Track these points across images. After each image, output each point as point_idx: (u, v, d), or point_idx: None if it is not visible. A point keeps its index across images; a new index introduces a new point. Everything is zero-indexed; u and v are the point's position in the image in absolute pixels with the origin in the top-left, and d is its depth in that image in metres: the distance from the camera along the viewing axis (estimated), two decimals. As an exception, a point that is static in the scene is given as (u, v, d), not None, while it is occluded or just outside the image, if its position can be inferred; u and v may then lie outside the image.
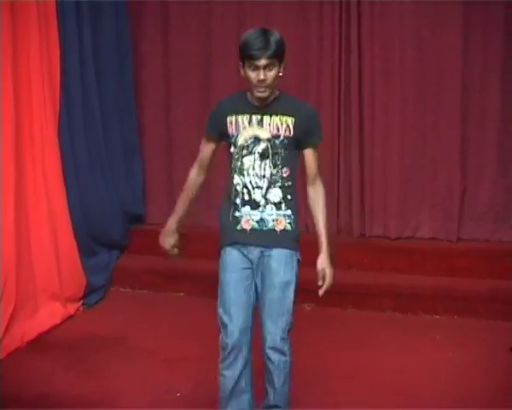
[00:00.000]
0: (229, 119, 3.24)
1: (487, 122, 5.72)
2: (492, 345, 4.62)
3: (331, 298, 5.40)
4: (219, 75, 6.23)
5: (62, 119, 5.38)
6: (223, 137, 3.32)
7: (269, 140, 3.18)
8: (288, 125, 3.18)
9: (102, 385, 4.18)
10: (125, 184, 6.32)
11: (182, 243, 3.48)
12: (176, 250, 3.49)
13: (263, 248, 3.24)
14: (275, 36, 3.11)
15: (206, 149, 3.41)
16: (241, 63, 3.14)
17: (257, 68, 3.07)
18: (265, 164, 3.20)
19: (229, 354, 3.22)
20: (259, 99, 3.18)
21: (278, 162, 3.20)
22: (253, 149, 3.21)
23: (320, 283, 3.35)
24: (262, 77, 3.07)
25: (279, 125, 3.18)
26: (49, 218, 5.19)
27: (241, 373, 3.26)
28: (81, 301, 5.53)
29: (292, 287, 3.27)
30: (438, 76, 5.73)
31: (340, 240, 6.05)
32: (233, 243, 3.28)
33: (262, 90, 3.12)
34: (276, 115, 3.19)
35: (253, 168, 3.21)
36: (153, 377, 4.22)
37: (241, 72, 3.16)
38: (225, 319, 3.22)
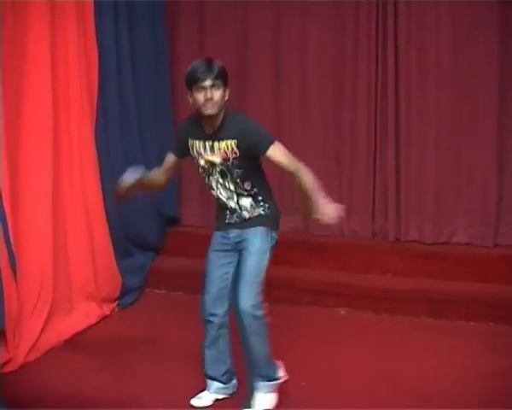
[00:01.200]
0: (190, 142, 3.70)
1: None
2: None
3: (365, 303, 5.47)
4: (254, 79, 6.26)
5: (99, 120, 5.44)
6: (188, 155, 3.76)
7: (221, 164, 3.60)
8: (232, 148, 3.54)
9: (133, 386, 4.22)
10: (161, 187, 6.35)
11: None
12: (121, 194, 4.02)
13: (241, 230, 3.71)
14: (217, 63, 3.55)
15: (169, 159, 3.91)
16: (189, 91, 3.54)
17: (203, 89, 3.46)
18: (227, 181, 3.65)
19: (205, 320, 3.86)
20: (208, 119, 3.54)
21: (238, 180, 3.63)
22: (212, 171, 3.66)
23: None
24: (209, 95, 3.46)
25: (226, 149, 3.56)
26: (86, 219, 5.24)
27: (215, 341, 3.86)
28: (116, 302, 5.58)
29: (264, 257, 3.69)
30: (474, 81, 5.68)
31: (375, 244, 6.06)
32: (218, 230, 3.84)
33: (209, 106, 3.48)
34: (223, 140, 3.56)
35: (220, 184, 3.68)
36: (184, 379, 4.24)
37: (190, 100, 3.56)
38: (204, 287, 3.87)
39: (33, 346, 4.59)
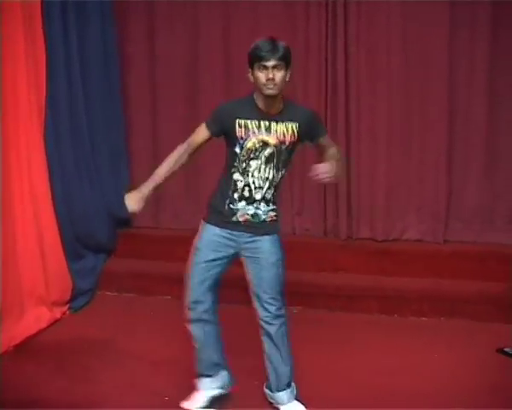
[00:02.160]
0: (238, 122, 3.50)
1: (474, 124, 5.74)
2: (480, 346, 4.65)
3: (318, 300, 5.50)
4: (206, 78, 6.24)
5: (48, 123, 5.36)
6: (226, 136, 3.58)
7: (275, 146, 3.51)
8: (293, 131, 3.53)
9: (89, 390, 4.17)
10: (112, 188, 6.28)
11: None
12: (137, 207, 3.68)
13: (254, 236, 3.63)
14: (282, 43, 3.43)
15: (202, 135, 3.62)
16: (250, 69, 3.47)
17: (266, 68, 3.37)
18: (270, 168, 3.55)
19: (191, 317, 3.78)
20: (268, 99, 3.45)
21: (280, 166, 3.57)
22: (260, 153, 3.52)
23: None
24: (271, 76, 3.36)
25: (285, 131, 3.52)
26: (36, 222, 5.16)
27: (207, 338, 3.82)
28: (68, 305, 5.51)
29: (282, 264, 3.70)
30: (424, 79, 5.75)
31: (327, 242, 6.09)
32: (221, 227, 3.63)
33: (271, 87, 3.38)
34: (282, 122, 3.51)
35: (259, 171, 3.54)
36: (140, 380, 4.21)
37: (250, 77, 3.48)
38: (190, 280, 3.72)
39: (-18, 352, 4.51)
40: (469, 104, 5.73)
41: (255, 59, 3.41)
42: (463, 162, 5.83)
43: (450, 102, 5.70)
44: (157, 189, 3.67)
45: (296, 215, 6.27)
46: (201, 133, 3.61)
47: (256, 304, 3.73)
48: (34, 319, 5.09)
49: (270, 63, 3.36)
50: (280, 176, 3.60)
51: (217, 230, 3.65)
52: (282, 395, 3.82)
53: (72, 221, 5.66)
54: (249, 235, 3.63)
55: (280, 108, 3.52)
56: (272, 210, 3.65)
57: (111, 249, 6.31)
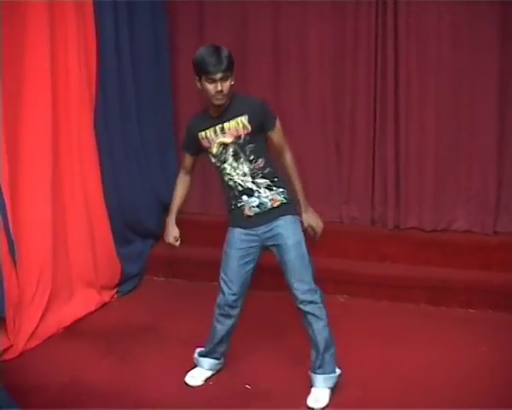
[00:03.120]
0: (200, 135, 3.79)
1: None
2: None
3: (364, 290, 5.48)
4: (254, 69, 6.23)
5: (99, 110, 5.42)
6: (200, 151, 3.90)
7: (233, 143, 3.69)
8: (244, 124, 3.67)
9: (134, 372, 4.25)
10: (160, 174, 6.34)
11: (180, 233, 4.10)
12: (179, 241, 4.15)
13: (268, 224, 3.77)
14: (225, 52, 3.61)
15: (187, 160, 4.06)
16: (197, 77, 3.63)
17: (214, 81, 3.56)
18: (241, 163, 3.72)
19: (221, 313, 3.98)
20: (217, 107, 3.67)
21: (251, 157, 3.71)
22: (225, 154, 3.73)
23: (312, 233, 3.93)
24: (219, 88, 3.57)
25: (237, 127, 3.68)
26: (85, 207, 5.24)
27: (228, 331, 4.02)
28: (116, 289, 5.59)
29: (303, 244, 3.79)
30: (474, 69, 5.63)
31: (374, 231, 6.06)
32: (240, 227, 3.84)
33: (220, 98, 3.60)
34: (233, 119, 3.68)
35: (234, 170, 3.74)
36: (184, 365, 4.24)
37: (198, 85, 3.66)
38: (225, 284, 3.90)
39: (33, 333, 4.61)
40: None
41: (202, 72, 3.58)
42: (514, 153, 5.74)
43: (500, 92, 5.59)
44: (180, 212, 4.18)
45: (343, 204, 6.24)
46: (186, 159, 4.07)
47: (290, 290, 3.81)
48: (83, 302, 5.18)
49: (218, 76, 3.55)
50: (260, 165, 3.73)
51: (237, 230, 3.86)
52: (314, 377, 3.88)
53: (120, 207, 5.73)
54: (264, 225, 3.78)
55: (227, 108, 3.69)
56: (278, 194, 3.77)
57: (158, 235, 6.33)
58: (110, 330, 4.92)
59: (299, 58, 6.16)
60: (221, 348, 4.13)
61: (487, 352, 4.45)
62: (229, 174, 3.75)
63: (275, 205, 3.76)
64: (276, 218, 3.76)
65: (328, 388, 3.86)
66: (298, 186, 3.85)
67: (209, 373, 4.16)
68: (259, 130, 3.72)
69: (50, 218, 4.82)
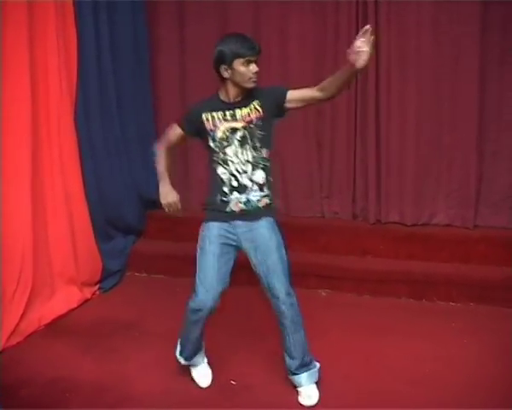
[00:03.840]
0: (204, 116, 3.69)
1: (504, 109, 5.65)
2: (508, 333, 4.61)
3: (346, 284, 5.49)
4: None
5: (79, 104, 5.41)
6: (200, 136, 3.76)
7: (244, 127, 3.65)
8: (255, 108, 3.65)
9: (117, 369, 4.24)
10: (141, 170, 6.33)
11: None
12: (179, 205, 3.94)
13: (250, 222, 3.73)
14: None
15: (176, 134, 3.88)
16: (225, 66, 3.59)
17: (250, 63, 3.56)
18: (246, 149, 3.66)
19: (195, 315, 3.79)
20: (246, 89, 3.63)
21: (257, 145, 3.67)
22: (232, 138, 3.66)
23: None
24: (257, 68, 3.58)
25: (249, 112, 3.66)
26: (66, 203, 5.22)
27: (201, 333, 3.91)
28: (97, 286, 5.58)
29: (283, 247, 3.77)
30: (454, 63, 5.66)
31: (355, 226, 6.07)
32: (220, 221, 3.74)
33: (255, 79, 3.60)
34: (246, 107, 3.66)
35: (237, 156, 3.66)
36: (167, 361, 4.24)
37: (225, 73, 3.61)
38: (200, 285, 3.71)
39: (14, 330, 4.59)
40: (500, 89, 5.63)
41: (238, 55, 3.55)
42: (493, 147, 5.74)
43: (480, 86, 5.61)
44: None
45: (325, 198, 6.26)
46: (175, 132, 3.87)
47: (267, 292, 3.76)
48: (64, 299, 5.17)
49: (255, 58, 3.58)
50: (261, 155, 3.69)
51: (216, 224, 3.76)
52: (298, 378, 3.88)
53: (101, 203, 5.71)
54: (245, 223, 3.73)
55: (242, 95, 3.67)
56: (266, 196, 3.74)
57: (140, 230, 6.36)
58: (92, 326, 4.90)
59: (280, 54, 6.16)
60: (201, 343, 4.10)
61: (469, 344, 4.48)
62: (228, 162, 3.66)
63: (260, 205, 3.72)
64: (258, 218, 3.72)
65: (314, 383, 3.89)
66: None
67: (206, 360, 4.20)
68: (272, 114, 3.69)
69: (30, 215, 4.80)
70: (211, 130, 3.68)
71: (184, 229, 6.13)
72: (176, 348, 4.11)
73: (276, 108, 3.69)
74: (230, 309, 4.71)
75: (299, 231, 5.95)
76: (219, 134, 3.66)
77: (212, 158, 3.72)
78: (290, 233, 5.91)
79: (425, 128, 5.84)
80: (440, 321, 4.89)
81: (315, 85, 3.71)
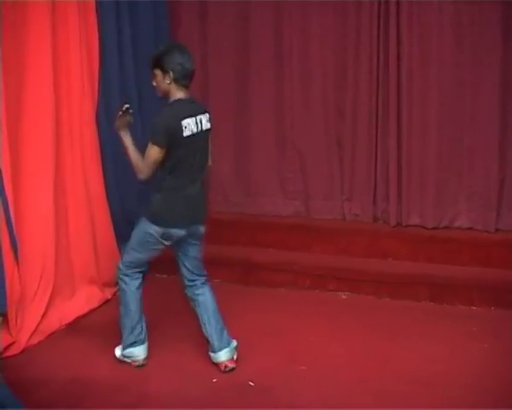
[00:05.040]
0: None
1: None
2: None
3: (366, 287, 5.48)
4: (256, 61, 6.24)
5: (101, 105, 5.43)
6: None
7: None
8: None
9: (134, 369, 4.26)
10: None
11: None
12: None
13: None
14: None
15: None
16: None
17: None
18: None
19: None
20: None
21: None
22: None
23: None
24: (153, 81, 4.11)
25: None
26: (87, 203, 5.25)
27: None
28: (118, 287, 5.58)
29: (142, 229, 4.24)
30: (476, 64, 5.64)
31: (376, 228, 6.06)
32: None
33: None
34: None
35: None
36: (185, 362, 4.26)
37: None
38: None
39: (35, 330, 4.62)
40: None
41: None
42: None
43: (502, 88, 5.60)
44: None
45: (346, 201, 6.25)
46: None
47: None
48: (85, 298, 5.19)
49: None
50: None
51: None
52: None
53: (123, 204, 5.74)
54: None
55: None
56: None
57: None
58: (112, 326, 4.89)
59: (301, 53, 6.16)
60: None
61: (489, 348, 4.46)
62: None
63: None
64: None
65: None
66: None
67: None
68: None
69: (53, 215, 4.83)
70: None
71: (207, 230, 6.17)
72: None
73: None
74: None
75: (319, 233, 5.96)
76: None
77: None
78: (310, 235, 5.97)
79: (446, 130, 5.82)
80: (461, 325, 4.87)
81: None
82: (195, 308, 4.31)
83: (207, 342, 4.24)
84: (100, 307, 5.29)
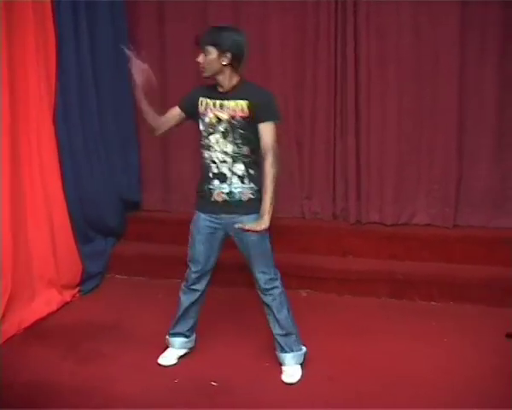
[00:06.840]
0: (200, 100, 3.90)
1: (484, 108, 5.70)
2: (488, 331, 4.64)
3: (327, 284, 5.49)
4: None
5: (58, 105, 5.38)
6: (193, 114, 3.94)
7: (228, 121, 3.78)
8: (242, 107, 3.76)
9: (98, 371, 4.20)
10: (122, 172, 6.32)
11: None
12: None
13: (233, 215, 3.84)
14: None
15: (174, 111, 4.06)
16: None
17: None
18: (228, 141, 3.80)
19: (186, 286, 4.16)
20: (230, 82, 3.83)
21: (238, 141, 3.79)
22: (216, 127, 3.82)
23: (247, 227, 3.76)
24: (198, 59, 3.90)
25: (235, 107, 3.77)
26: (46, 205, 5.18)
27: (192, 303, 4.16)
28: (77, 288, 5.54)
29: (267, 240, 3.92)
30: (434, 62, 5.70)
31: (336, 226, 6.08)
32: (205, 212, 3.95)
33: (201, 69, 3.88)
34: (234, 100, 3.79)
35: (218, 145, 3.82)
36: (148, 363, 4.22)
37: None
38: (190, 263, 4.08)
39: (-7, 334, 4.54)
40: (480, 88, 5.68)
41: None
42: (474, 146, 5.78)
43: (460, 85, 5.66)
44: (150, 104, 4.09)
45: (305, 199, 6.27)
46: (173, 110, 4.08)
47: (253, 277, 3.99)
48: (44, 301, 5.12)
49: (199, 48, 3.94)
50: (243, 152, 3.80)
51: (202, 215, 3.98)
52: (284, 356, 4.06)
53: (81, 205, 5.69)
54: (229, 216, 3.87)
55: (234, 87, 3.82)
56: (249, 189, 3.84)
57: (120, 233, 6.33)
58: (72, 329, 4.86)
59: (260, 53, 6.14)
60: (187, 324, 4.26)
61: (449, 343, 4.50)
62: (210, 148, 3.83)
63: (243, 199, 3.84)
64: (241, 213, 3.82)
65: (299, 364, 4.07)
66: (266, 195, 3.73)
67: (181, 352, 4.30)
68: (255, 119, 3.75)
69: (9, 217, 4.76)
70: (202, 114, 3.87)
71: (165, 231, 6.16)
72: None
73: (256, 118, 3.76)
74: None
75: (279, 232, 5.93)
76: (207, 120, 3.84)
77: (200, 142, 3.90)
78: (270, 233, 5.96)
79: (405, 128, 5.87)
80: (421, 320, 4.91)
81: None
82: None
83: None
84: (59, 309, 5.21)
